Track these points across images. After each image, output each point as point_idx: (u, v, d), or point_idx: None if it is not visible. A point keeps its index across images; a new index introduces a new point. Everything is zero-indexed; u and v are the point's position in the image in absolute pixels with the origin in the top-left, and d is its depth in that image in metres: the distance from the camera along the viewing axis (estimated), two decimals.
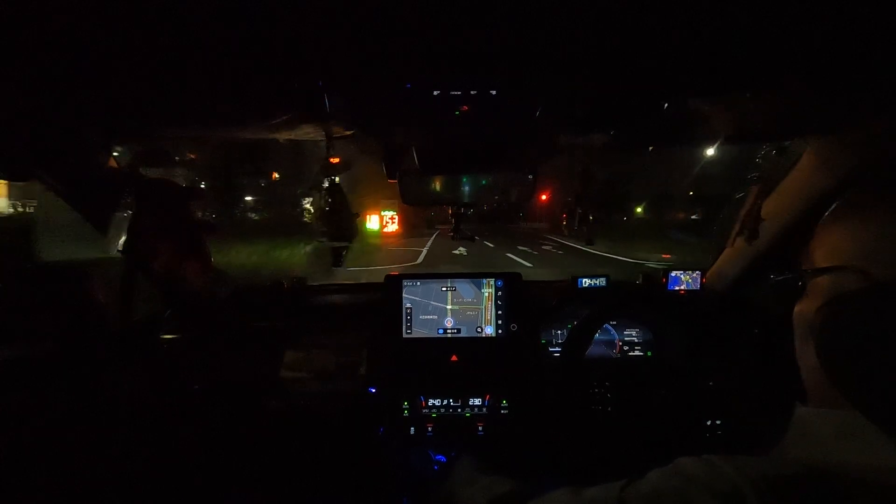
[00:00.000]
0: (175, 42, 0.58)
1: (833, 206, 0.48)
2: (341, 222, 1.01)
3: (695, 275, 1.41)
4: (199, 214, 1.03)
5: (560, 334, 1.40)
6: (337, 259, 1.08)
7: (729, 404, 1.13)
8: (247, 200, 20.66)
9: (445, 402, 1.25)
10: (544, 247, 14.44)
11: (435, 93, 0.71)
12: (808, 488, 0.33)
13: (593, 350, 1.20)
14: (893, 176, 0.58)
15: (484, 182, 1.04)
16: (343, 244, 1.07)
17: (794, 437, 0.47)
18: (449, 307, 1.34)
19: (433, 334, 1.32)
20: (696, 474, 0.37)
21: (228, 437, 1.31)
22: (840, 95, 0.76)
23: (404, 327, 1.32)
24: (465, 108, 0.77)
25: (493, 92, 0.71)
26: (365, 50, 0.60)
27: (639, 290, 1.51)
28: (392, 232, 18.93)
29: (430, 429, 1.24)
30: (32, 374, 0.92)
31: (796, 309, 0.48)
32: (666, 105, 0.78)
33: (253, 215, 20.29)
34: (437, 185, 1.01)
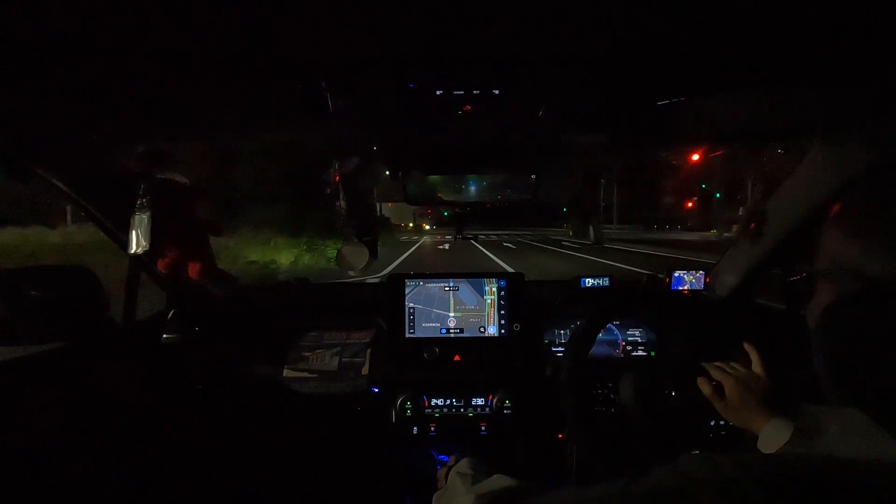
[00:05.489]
0: (179, 44, 0.58)
1: (838, 205, 0.48)
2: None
3: (698, 274, 1.41)
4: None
5: (563, 334, 1.39)
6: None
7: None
8: None
9: (448, 402, 1.25)
10: None
11: (437, 93, 0.71)
12: (811, 486, 0.33)
13: (597, 350, 1.20)
14: None
15: (486, 182, 1.05)
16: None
17: (798, 436, 0.47)
18: (452, 307, 1.34)
19: (436, 334, 1.32)
20: (698, 472, 0.37)
21: (231, 436, 1.32)
22: (845, 94, 0.76)
23: (407, 327, 1.32)
24: (468, 108, 0.77)
25: (496, 92, 0.71)
26: (368, 50, 0.60)
27: (642, 289, 1.50)
28: None
29: (432, 429, 1.24)
30: (37, 373, 0.93)
31: (807, 309, 0.48)
32: (668, 104, 0.78)
33: None
34: (440, 186, 1.01)
